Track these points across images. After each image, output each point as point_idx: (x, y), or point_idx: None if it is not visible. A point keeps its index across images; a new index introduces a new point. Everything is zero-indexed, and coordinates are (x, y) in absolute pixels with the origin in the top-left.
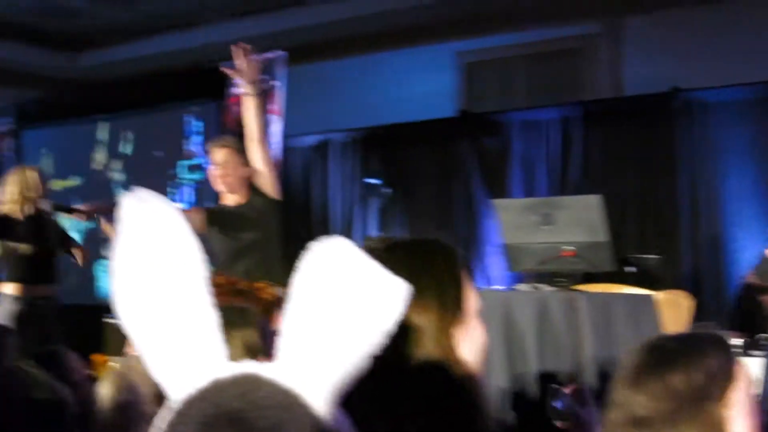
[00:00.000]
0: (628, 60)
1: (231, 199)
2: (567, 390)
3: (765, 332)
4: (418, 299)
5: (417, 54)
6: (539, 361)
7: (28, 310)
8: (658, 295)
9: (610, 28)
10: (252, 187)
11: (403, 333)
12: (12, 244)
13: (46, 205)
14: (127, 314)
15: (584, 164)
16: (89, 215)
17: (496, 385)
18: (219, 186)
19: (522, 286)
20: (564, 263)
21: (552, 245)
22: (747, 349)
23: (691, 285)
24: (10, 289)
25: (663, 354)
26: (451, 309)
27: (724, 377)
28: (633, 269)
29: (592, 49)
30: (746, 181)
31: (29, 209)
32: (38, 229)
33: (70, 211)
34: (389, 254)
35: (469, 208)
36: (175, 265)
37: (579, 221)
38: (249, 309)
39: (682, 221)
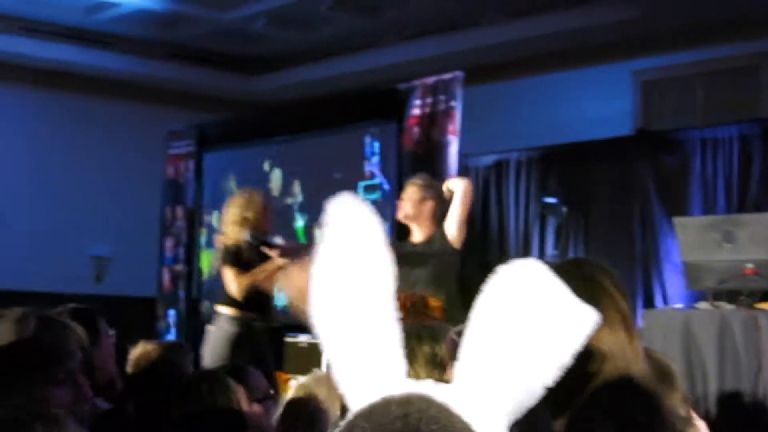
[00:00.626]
0: None
1: (415, 232)
2: None
3: None
4: (603, 321)
5: (593, 73)
6: (719, 381)
7: (244, 332)
8: None
9: None
10: (438, 226)
11: (592, 356)
12: (256, 278)
13: (247, 235)
14: (321, 321)
15: (764, 182)
16: (283, 253)
17: None
18: (402, 217)
19: (702, 305)
20: (745, 281)
21: (733, 263)
22: None
23: None
24: (228, 310)
25: None
26: (632, 325)
27: None
28: None
29: None
30: None
31: (251, 233)
32: (259, 253)
33: (268, 245)
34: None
35: (646, 227)
36: (369, 277)
37: (761, 239)
38: (440, 324)
39: None
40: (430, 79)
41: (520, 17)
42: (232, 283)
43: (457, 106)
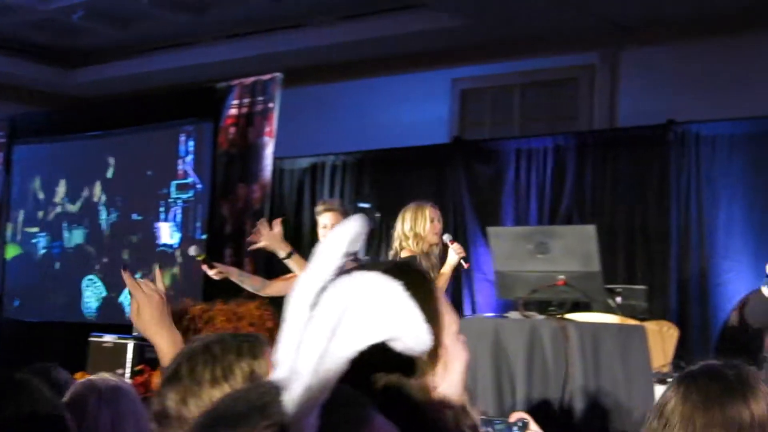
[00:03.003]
0: (624, 91)
1: None
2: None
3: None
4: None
5: (413, 80)
6: (527, 389)
7: None
8: (645, 326)
9: (607, 59)
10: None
11: (409, 362)
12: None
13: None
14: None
15: (576, 194)
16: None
17: (484, 411)
18: None
19: (513, 314)
20: (556, 292)
21: (545, 274)
22: None
23: (678, 316)
24: None
25: (737, 383)
26: (450, 337)
27: None
28: (619, 300)
29: (588, 80)
30: (737, 214)
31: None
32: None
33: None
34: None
35: (458, 235)
36: None
37: (573, 251)
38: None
39: (672, 252)
40: (249, 80)
41: (342, 21)
42: None
43: (275, 107)
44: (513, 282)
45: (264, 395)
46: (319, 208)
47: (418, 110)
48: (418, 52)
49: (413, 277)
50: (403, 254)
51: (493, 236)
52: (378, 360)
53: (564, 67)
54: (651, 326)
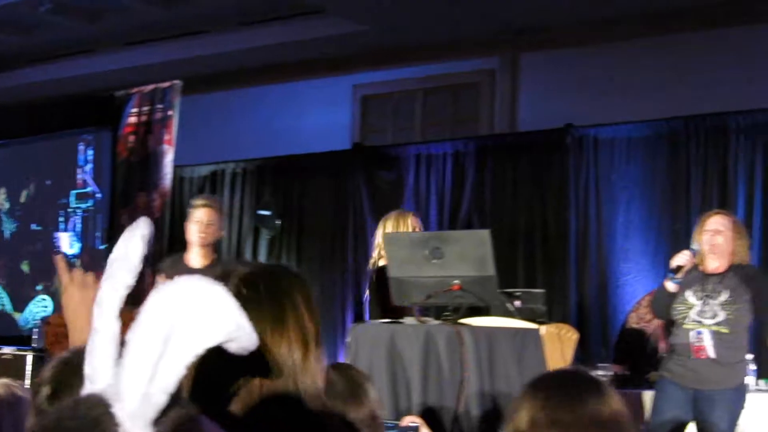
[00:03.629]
0: (524, 96)
1: (196, 253)
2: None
3: (648, 366)
4: (282, 333)
5: (314, 86)
6: (423, 394)
7: None
8: (544, 329)
9: (507, 64)
10: (216, 251)
11: (266, 365)
12: None
13: None
14: None
15: (476, 198)
16: None
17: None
18: (194, 239)
19: (408, 320)
20: (451, 297)
21: (440, 279)
22: (627, 382)
23: (578, 319)
24: None
25: (584, 384)
26: (315, 342)
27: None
28: (519, 303)
29: (488, 85)
30: (635, 216)
31: None
32: None
33: None
34: (248, 286)
35: (359, 241)
36: None
37: (467, 256)
38: None
39: (571, 256)
40: (148, 87)
41: (242, 27)
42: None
43: (174, 115)
44: (409, 288)
45: (93, 408)
46: (197, 202)
47: (319, 117)
48: (318, 58)
49: (272, 279)
50: (382, 263)
51: (388, 242)
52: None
53: (465, 72)
54: (550, 329)
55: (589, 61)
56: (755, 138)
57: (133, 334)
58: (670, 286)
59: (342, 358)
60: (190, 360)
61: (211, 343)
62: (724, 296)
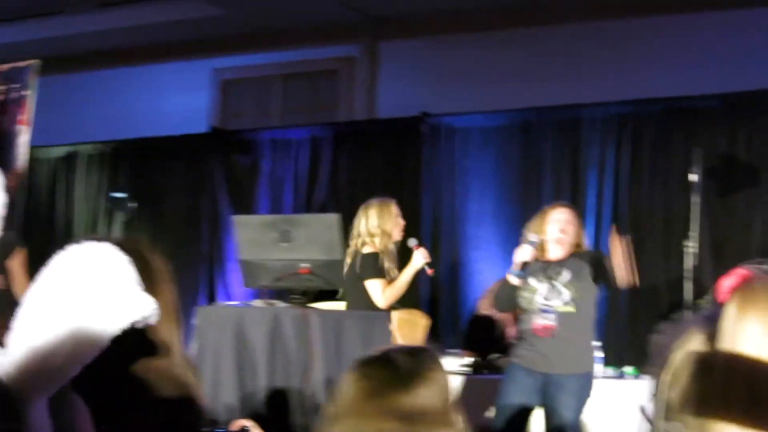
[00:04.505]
0: (382, 84)
1: None
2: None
3: (498, 352)
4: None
5: (173, 69)
6: (269, 377)
7: None
8: (394, 314)
9: (367, 52)
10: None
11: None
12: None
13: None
14: None
15: (332, 184)
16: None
17: (225, 400)
18: None
19: (256, 302)
20: (299, 280)
21: (289, 262)
22: (477, 369)
23: (430, 305)
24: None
25: (405, 369)
26: (180, 317)
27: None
28: None
29: (348, 72)
30: (488, 205)
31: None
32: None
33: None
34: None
35: (215, 225)
36: None
37: (316, 239)
38: None
39: (424, 242)
40: (4, 66)
41: (101, 9)
42: (380, 294)
43: (31, 95)
44: (257, 271)
45: None
46: None
47: (178, 100)
48: (178, 41)
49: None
50: (365, 250)
51: (237, 225)
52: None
53: (325, 58)
54: (402, 315)
55: (447, 51)
56: (607, 129)
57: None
58: (514, 279)
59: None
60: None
61: (104, 307)
62: (566, 276)
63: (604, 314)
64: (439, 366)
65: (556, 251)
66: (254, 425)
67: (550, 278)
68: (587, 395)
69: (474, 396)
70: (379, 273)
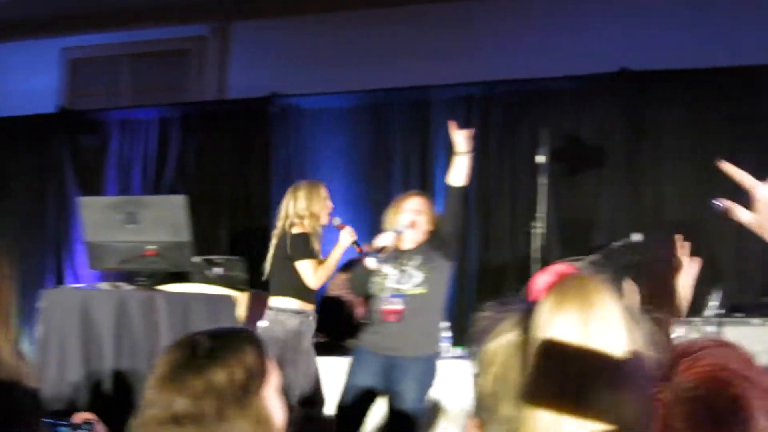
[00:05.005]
0: (233, 64)
1: None
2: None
3: (347, 333)
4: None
5: (20, 48)
6: (116, 360)
7: (306, 324)
8: (241, 296)
9: (218, 32)
10: None
11: None
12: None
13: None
14: None
15: (180, 165)
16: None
17: (72, 380)
18: None
19: (103, 285)
20: (146, 262)
21: (135, 244)
22: (328, 350)
23: None
24: (294, 303)
25: (202, 352)
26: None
27: (260, 373)
28: (220, 270)
29: (198, 52)
30: (338, 186)
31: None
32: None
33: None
34: None
35: (62, 207)
36: None
37: (163, 221)
38: None
39: (273, 223)
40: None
41: None
42: (312, 274)
43: None
44: (103, 253)
45: None
46: None
47: (24, 80)
48: (25, 19)
49: None
50: (294, 231)
51: (83, 206)
52: None
53: (175, 38)
54: (248, 296)
55: (298, 32)
56: (455, 111)
57: None
58: (370, 263)
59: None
60: None
61: None
62: (417, 260)
63: (453, 294)
64: (247, 349)
65: (409, 240)
66: (97, 420)
67: (402, 264)
68: (431, 378)
69: (324, 376)
70: (310, 254)
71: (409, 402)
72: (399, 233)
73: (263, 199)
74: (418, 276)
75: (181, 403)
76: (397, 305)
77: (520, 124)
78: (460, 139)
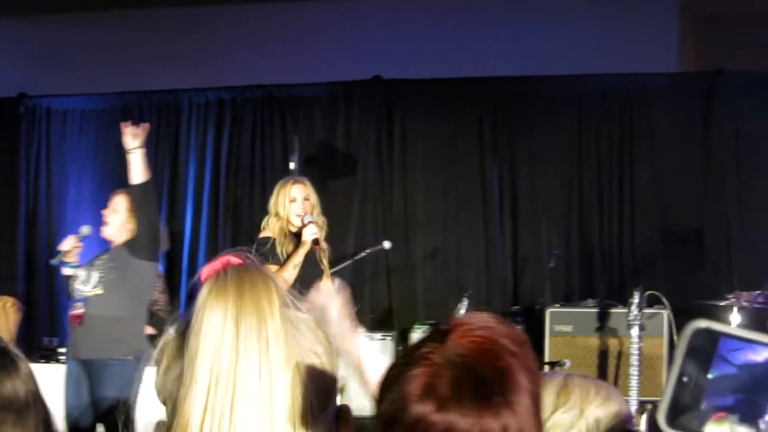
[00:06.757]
0: None
1: None
2: None
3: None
4: None
5: None
6: None
7: None
8: None
9: None
10: None
11: None
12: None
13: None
14: None
15: None
16: None
17: None
18: None
19: None
20: None
21: None
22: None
23: (26, 292)
24: None
25: None
26: None
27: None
28: None
29: None
30: (87, 189)
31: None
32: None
33: None
34: None
35: None
36: None
37: None
38: None
39: (20, 228)
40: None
41: None
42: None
43: None
44: None
45: None
46: None
47: None
48: None
49: None
50: (261, 234)
51: None
52: None
53: None
54: None
55: (48, 32)
56: (206, 115)
57: None
58: (63, 270)
59: None
60: None
61: None
62: (104, 259)
63: None
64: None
65: (108, 238)
66: None
67: (91, 264)
68: (132, 380)
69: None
70: (267, 258)
71: (107, 404)
72: (82, 237)
73: (12, 200)
74: (95, 276)
75: None
76: (79, 309)
77: (273, 130)
78: (128, 137)
